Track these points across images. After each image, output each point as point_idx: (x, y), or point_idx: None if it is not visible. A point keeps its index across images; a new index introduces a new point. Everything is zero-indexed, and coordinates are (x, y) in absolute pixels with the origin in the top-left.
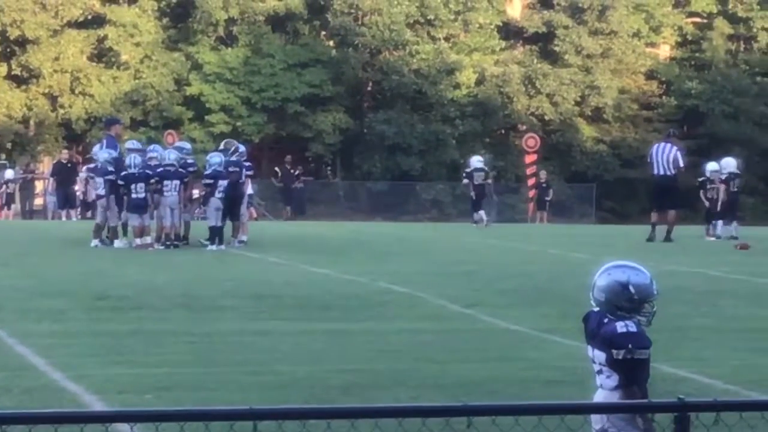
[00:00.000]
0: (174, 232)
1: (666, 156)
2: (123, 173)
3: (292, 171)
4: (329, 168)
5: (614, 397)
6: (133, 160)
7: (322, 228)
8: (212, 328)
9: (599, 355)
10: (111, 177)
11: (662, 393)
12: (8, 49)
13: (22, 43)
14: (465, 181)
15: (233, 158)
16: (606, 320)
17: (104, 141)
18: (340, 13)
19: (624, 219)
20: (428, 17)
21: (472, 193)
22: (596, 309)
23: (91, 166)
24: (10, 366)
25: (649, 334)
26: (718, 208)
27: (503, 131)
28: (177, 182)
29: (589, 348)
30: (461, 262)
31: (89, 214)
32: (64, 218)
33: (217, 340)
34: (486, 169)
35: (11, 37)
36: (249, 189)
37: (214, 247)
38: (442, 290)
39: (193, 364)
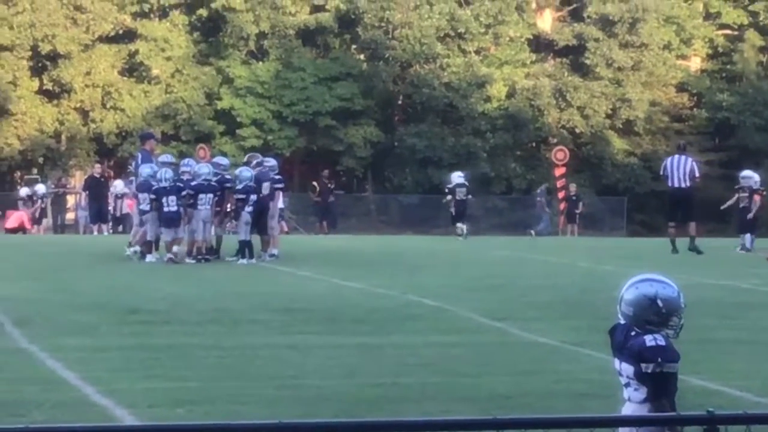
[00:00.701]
0: (205, 246)
1: (683, 168)
2: (154, 187)
3: (329, 185)
4: (362, 181)
5: (642, 410)
6: (164, 174)
7: (353, 241)
8: (243, 341)
9: (627, 368)
10: (151, 194)
11: (692, 406)
12: (40, 64)
13: (54, 58)
14: (448, 197)
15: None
16: (633, 333)
17: (139, 156)
18: (371, 27)
19: (655, 232)
20: (459, 30)
21: (452, 209)
22: (623, 322)
23: (132, 180)
24: (42, 380)
25: (679, 347)
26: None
27: (534, 144)
28: (210, 196)
29: (616, 361)
30: (491, 276)
31: (120, 228)
32: (95, 233)
33: (247, 354)
34: (467, 184)
35: (43, 52)
36: (280, 203)
37: (244, 261)
38: (472, 303)
39: (224, 378)
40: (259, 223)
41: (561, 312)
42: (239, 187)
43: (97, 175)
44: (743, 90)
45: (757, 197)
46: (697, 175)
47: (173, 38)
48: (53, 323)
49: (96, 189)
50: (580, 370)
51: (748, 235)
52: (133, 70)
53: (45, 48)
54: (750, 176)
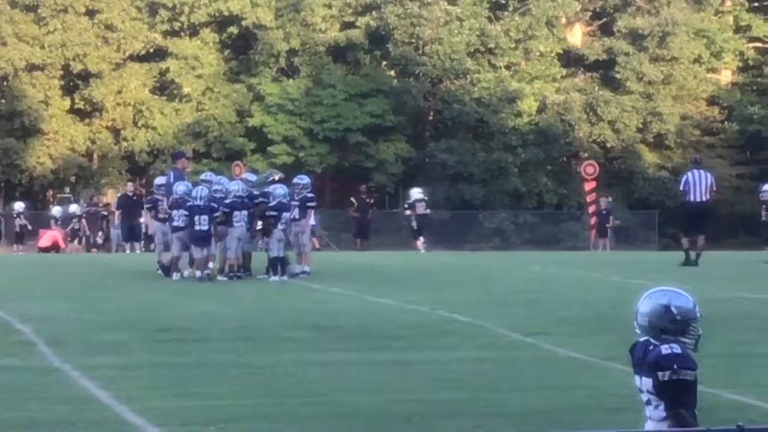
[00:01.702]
0: (237, 263)
1: (703, 183)
2: (188, 204)
3: (367, 200)
4: (393, 197)
5: (663, 428)
6: (200, 192)
7: (385, 258)
8: (274, 359)
9: (646, 382)
10: (185, 211)
11: (724, 420)
12: (71, 83)
13: (85, 77)
14: (408, 212)
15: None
16: (651, 347)
17: (171, 174)
18: (401, 43)
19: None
20: (489, 46)
21: (414, 223)
22: (642, 339)
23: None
24: (74, 399)
25: (711, 361)
26: None
27: (565, 159)
28: (245, 213)
29: (636, 378)
30: (523, 291)
31: (152, 246)
32: (128, 251)
33: (278, 372)
34: (426, 199)
35: (74, 71)
36: (312, 220)
37: (276, 278)
38: (503, 319)
39: (255, 395)
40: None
41: (593, 327)
42: (272, 203)
43: (130, 194)
44: None
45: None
46: (715, 189)
47: (204, 56)
48: (85, 342)
49: (128, 207)
50: (611, 385)
51: None
52: (164, 88)
53: (76, 67)
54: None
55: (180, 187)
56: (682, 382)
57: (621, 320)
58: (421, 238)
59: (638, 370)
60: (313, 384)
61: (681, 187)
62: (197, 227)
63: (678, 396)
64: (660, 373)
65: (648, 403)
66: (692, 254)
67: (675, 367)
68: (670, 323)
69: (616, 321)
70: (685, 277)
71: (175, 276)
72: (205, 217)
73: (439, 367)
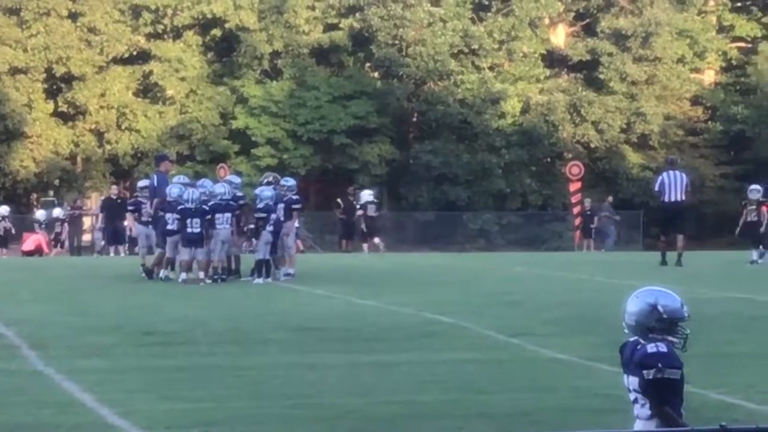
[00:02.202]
0: (222, 266)
1: (679, 183)
2: (180, 207)
3: (354, 202)
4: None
5: (650, 427)
6: (191, 195)
7: (369, 259)
8: (259, 361)
9: (633, 381)
10: (177, 215)
11: (711, 420)
12: (54, 86)
13: (68, 80)
14: (360, 212)
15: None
16: (639, 346)
17: (155, 177)
18: (385, 45)
19: (672, 245)
20: (472, 47)
21: (363, 225)
22: (632, 339)
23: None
24: (59, 402)
25: (698, 361)
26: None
27: (549, 159)
28: (228, 215)
29: (625, 377)
30: (507, 292)
31: (136, 249)
32: (112, 254)
33: (264, 374)
34: (377, 201)
35: (57, 75)
36: (295, 222)
37: (260, 281)
38: (488, 320)
39: (241, 398)
40: (273, 243)
41: (578, 327)
42: (260, 206)
43: (114, 197)
44: (758, 102)
45: (764, 208)
46: (690, 189)
47: (187, 59)
48: (69, 345)
49: (113, 210)
50: (597, 386)
51: (759, 248)
52: (148, 91)
53: (59, 70)
54: (758, 189)
55: (174, 190)
56: (667, 380)
57: (606, 321)
58: (377, 239)
59: (626, 369)
60: (298, 386)
61: (656, 188)
62: (189, 230)
63: (663, 394)
64: (645, 372)
65: (635, 401)
66: (669, 254)
67: (660, 365)
68: (657, 322)
69: (601, 322)
70: (669, 277)
71: (183, 276)
72: (197, 220)
73: (424, 368)
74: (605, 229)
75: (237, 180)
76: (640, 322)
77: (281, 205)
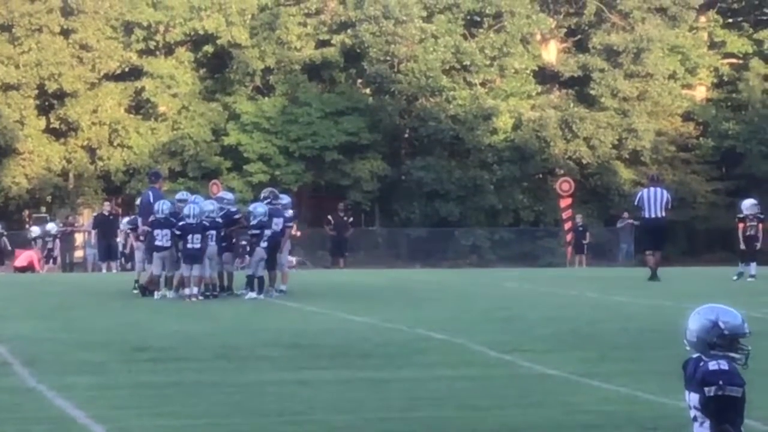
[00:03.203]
0: (212, 282)
1: (659, 199)
2: (181, 223)
3: (345, 218)
4: (369, 215)
5: None
6: (192, 210)
7: (361, 275)
8: (251, 378)
9: (694, 398)
10: (176, 230)
11: None
12: (47, 103)
13: (60, 96)
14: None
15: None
16: (702, 363)
17: (149, 194)
18: (376, 61)
19: (664, 261)
20: (464, 63)
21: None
22: (695, 355)
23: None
24: (50, 419)
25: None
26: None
27: (541, 175)
28: (214, 233)
29: (686, 393)
30: (499, 308)
31: (129, 265)
32: (104, 270)
33: (255, 390)
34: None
35: (49, 91)
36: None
37: (253, 295)
38: (480, 336)
39: (233, 414)
40: (270, 259)
41: (570, 343)
42: (253, 222)
43: (106, 213)
44: (749, 118)
45: (740, 225)
46: (670, 206)
47: (179, 75)
48: (61, 362)
49: (105, 227)
50: (589, 402)
51: (753, 264)
52: (140, 107)
53: (51, 87)
54: (756, 204)
55: (165, 207)
56: (728, 398)
57: (597, 337)
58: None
59: (688, 385)
60: (290, 403)
61: (636, 203)
62: (189, 245)
63: (724, 412)
64: (706, 389)
65: (695, 419)
66: (656, 269)
67: (720, 383)
68: (718, 339)
69: (593, 337)
70: (662, 294)
71: (157, 295)
72: (197, 236)
73: (416, 385)
74: (623, 239)
75: (229, 196)
76: (701, 339)
77: (278, 220)
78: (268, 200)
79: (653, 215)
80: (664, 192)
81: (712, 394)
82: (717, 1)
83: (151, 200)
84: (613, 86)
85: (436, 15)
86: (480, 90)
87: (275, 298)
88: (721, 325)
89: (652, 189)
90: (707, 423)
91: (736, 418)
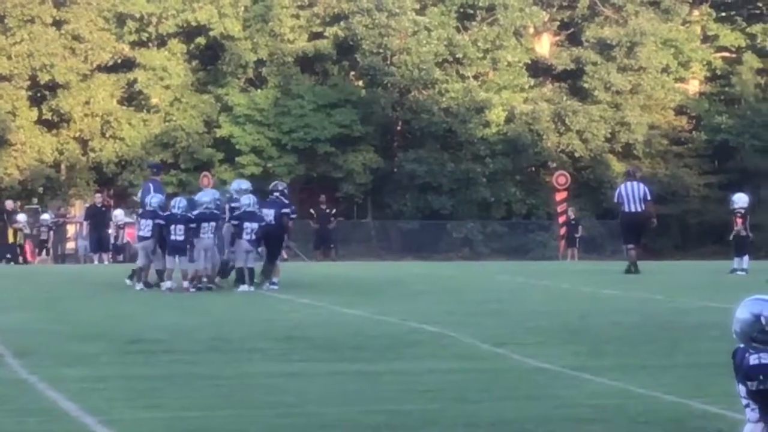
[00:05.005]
0: (206, 274)
1: (637, 194)
2: (166, 214)
3: (327, 211)
4: (362, 207)
5: (758, 429)
6: (178, 202)
7: (353, 268)
8: (243, 370)
9: (742, 389)
10: (160, 221)
11: (693, 429)
12: (39, 94)
13: (53, 87)
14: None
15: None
16: (747, 354)
17: (150, 185)
18: (369, 53)
19: (656, 255)
20: (457, 56)
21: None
22: (742, 345)
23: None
24: (42, 411)
25: (680, 371)
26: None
27: (533, 169)
28: (213, 224)
29: (737, 382)
30: (492, 301)
31: (121, 257)
32: (96, 262)
33: (247, 383)
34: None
35: (42, 82)
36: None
37: (245, 287)
38: (472, 329)
39: (224, 407)
40: (270, 252)
41: (562, 337)
42: (235, 213)
43: (98, 204)
44: (742, 112)
45: (739, 220)
46: (649, 198)
47: (172, 67)
48: (53, 354)
49: (97, 218)
50: (581, 395)
51: (746, 257)
52: (132, 99)
53: (44, 78)
54: (733, 199)
55: (154, 200)
56: None
57: (590, 330)
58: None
59: (737, 375)
60: (282, 395)
61: (615, 199)
62: (173, 237)
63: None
64: (749, 383)
65: (747, 406)
66: (634, 262)
67: (761, 377)
68: (759, 333)
69: (585, 331)
70: (654, 287)
71: (138, 286)
72: (180, 227)
73: (409, 377)
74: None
75: (242, 186)
76: (744, 331)
77: (268, 212)
78: (276, 193)
79: (632, 209)
80: (642, 186)
81: (754, 388)
82: None
83: (151, 192)
84: (606, 80)
85: (429, 7)
86: (473, 83)
87: (267, 290)
88: (763, 320)
89: (629, 184)
90: (758, 408)
91: None
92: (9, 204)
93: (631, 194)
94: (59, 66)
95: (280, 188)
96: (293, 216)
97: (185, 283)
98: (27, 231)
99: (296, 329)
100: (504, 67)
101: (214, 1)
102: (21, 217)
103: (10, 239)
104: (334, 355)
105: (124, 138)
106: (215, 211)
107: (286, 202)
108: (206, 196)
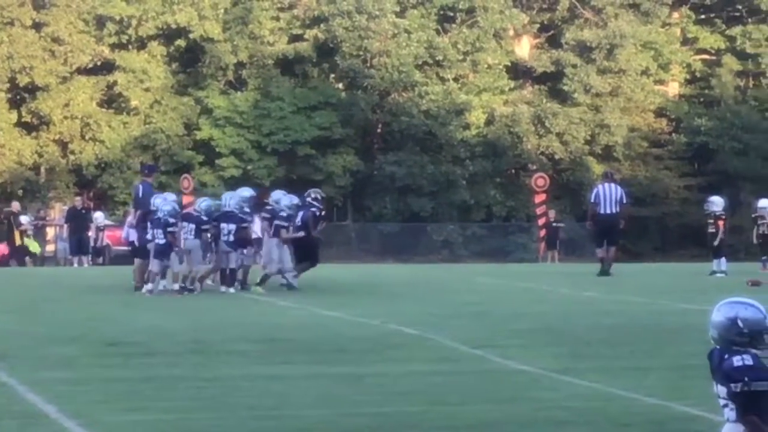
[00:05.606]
0: (192, 276)
1: (613, 196)
2: (152, 218)
3: None
4: (341, 209)
5: (738, 430)
6: (161, 205)
7: (333, 270)
8: (223, 372)
9: (721, 390)
10: (174, 228)
11: (673, 431)
12: (18, 96)
13: (32, 90)
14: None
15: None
16: (726, 356)
17: (140, 187)
18: (349, 56)
19: (636, 257)
20: (437, 58)
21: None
22: (719, 347)
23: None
24: (22, 414)
25: (660, 373)
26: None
27: (513, 171)
28: (193, 226)
29: (714, 383)
30: (472, 303)
31: (100, 260)
32: (75, 264)
33: (228, 385)
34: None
35: (21, 84)
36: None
37: (231, 290)
38: (452, 332)
39: (204, 409)
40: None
41: (542, 339)
42: (214, 215)
43: (78, 207)
44: (721, 114)
45: (720, 223)
46: (625, 201)
47: (152, 69)
48: (33, 356)
49: (77, 221)
50: (561, 398)
51: (722, 259)
52: (112, 101)
53: (23, 80)
54: (714, 202)
55: (157, 201)
56: (755, 393)
57: (570, 332)
58: None
59: (714, 376)
60: (263, 398)
61: (592, 200)
62: (156, 240)
63: (752, 404)
64: (732, 385)
65: (725, 406)
66: (610, 264)
67: (746, 379)
68: (738, 336)
69: (565, 333)
70: (635, 289)
71: (148, 287)
72: (160, 231)
73: (389, 380)
74: None
75: (293, 201)
76: (722, 336)
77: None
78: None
79: (607, 211)
80: (618, 188)
81: (738, 390)
82: None
83: (140, 194)
84: (585, 82)
85: (409, 10)
86: (453, 85)
87: (249, 291)
88: (740, 323)
89: (606, 185)
90: (736, 408)
91: (764, 408)
92: (15, 206)
93: (608, 195)
94: (39, 68)
95: (312, 195)
96: (285, 225)
97: (175, 286)
98: (31, 232)
99: (277, 332)
100: (484, 69)
101: (194, 4)
102: (24, 219)
103: (17, 242)
104: (315, 358)
105: (104, 140)
106: (203, 217)
107: (313, 209)
108: (204, 202)
